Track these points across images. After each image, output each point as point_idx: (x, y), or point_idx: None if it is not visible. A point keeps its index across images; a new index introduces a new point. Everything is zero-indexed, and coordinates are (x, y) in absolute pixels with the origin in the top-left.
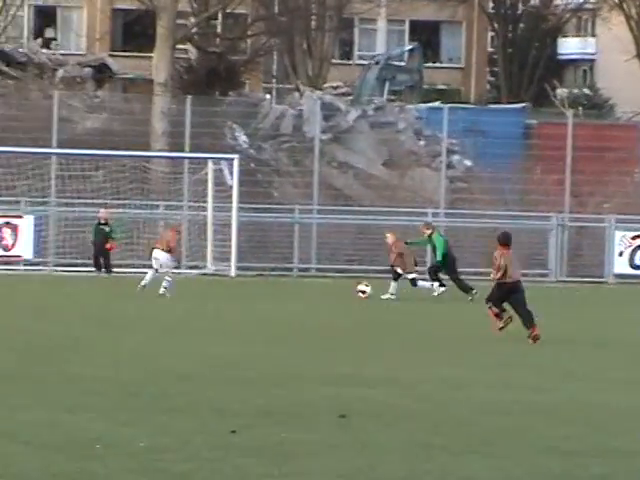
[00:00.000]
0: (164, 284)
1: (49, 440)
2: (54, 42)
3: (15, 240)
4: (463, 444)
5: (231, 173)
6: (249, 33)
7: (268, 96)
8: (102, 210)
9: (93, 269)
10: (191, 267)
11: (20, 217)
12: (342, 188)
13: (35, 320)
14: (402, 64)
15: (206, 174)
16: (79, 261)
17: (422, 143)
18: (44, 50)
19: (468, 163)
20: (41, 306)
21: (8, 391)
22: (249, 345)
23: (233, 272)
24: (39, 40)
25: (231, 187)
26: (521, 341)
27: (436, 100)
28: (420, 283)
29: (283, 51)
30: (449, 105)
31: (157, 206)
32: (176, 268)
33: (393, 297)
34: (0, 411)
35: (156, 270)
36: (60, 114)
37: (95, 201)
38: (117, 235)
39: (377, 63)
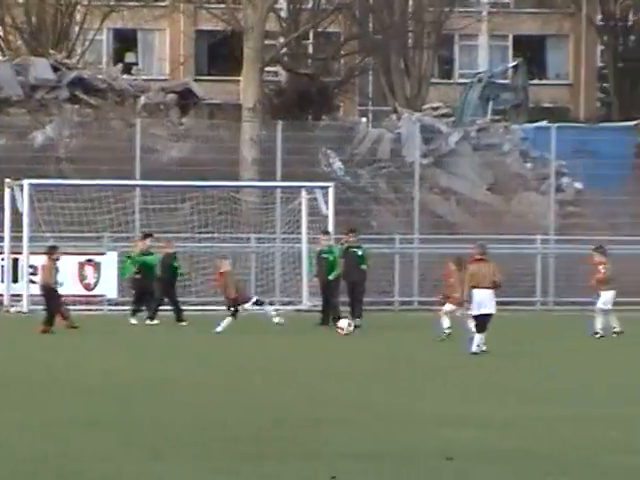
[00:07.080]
0: None
1: None
2: (135, 67)
3: (98, 279)
4: None
5: (326, 202)
6: (342, 53)
7: (364, 119)
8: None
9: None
10: (285, 303)
11: (103, 254)
12: (445, 215)
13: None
14: (506, 82)
15: (300, 204)
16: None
17: (529, 165)
18: (125, 76)
19: (578, 186)
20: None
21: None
22: (350, 383)
23: None
24: (119, 65)
25: (327, 217)
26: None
27: (543, 119)
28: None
29: (379, 71)
30: (557, 124)
31: (248, 239)
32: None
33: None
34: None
35: None
36: (143, 143)
37: (181, 235)
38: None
39: (479, 81)
